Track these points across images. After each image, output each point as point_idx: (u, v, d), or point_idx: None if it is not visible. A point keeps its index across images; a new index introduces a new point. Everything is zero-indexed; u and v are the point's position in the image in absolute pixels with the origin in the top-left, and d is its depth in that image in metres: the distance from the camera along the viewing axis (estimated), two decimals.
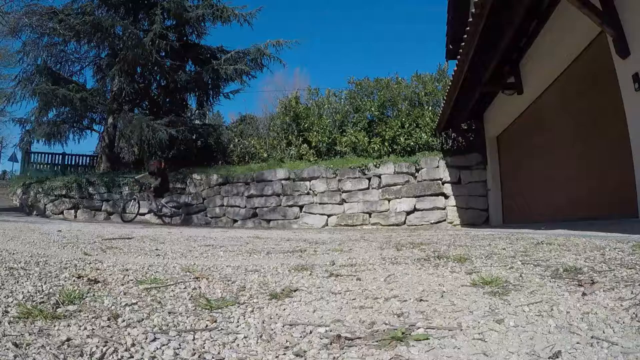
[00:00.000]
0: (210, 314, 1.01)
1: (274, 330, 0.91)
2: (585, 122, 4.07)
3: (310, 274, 1.54)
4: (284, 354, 0.78)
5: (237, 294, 1.23)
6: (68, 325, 0.87)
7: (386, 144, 8.28)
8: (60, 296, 1.06)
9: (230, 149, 10.55)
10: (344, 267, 1.70)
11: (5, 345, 0.72)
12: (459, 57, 4.97)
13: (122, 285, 1.27)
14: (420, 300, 1.13)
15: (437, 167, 7.33)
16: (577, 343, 0.78)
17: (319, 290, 1.28)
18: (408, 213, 7.22)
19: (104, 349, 0.75)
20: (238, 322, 0.96)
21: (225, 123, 15.91)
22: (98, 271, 1.46)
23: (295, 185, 7.84)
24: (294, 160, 8.85)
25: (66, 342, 0.77)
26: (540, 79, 4.96)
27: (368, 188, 7.48)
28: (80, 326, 0.87)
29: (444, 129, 7.70)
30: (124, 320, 0.92)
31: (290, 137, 9.38)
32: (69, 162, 14.83)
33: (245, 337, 0.85)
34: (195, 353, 0.76)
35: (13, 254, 1.79)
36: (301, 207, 7.74)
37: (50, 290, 1.15)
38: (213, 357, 0.75)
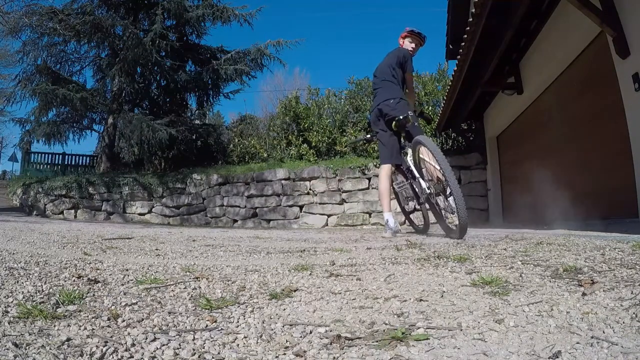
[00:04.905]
0: (210, 314, 1.01)
1: (274, 330, 0.91)
2: (586, 121, 4.07)
3: (310, 274, 1.54)
4: (284, 353, 0.78)
5: (237, 294, 1.23)
6: (68, 325, 0.87)
7: None
8: (60, 296, 1.06)
9: (230, 149, 10.56)
10: (344, 267, 1.70)
11: (5, 345, 0.72)
12: (459, 57, 4.97)
13: (122, 285, 1.27)
14: (420, 300, 1.13)
15: None
16: (577, 343, 0.78)
17: (319, 290, 1.28)
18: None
19: (104, 349, 0.75)
20: (238, 322, 0.96)
21: (225, 123, 15.94)
22: (98, 271, 1.46)
23: (295, 185, 7.84)
24: (294, 160, 8.86)
25: (66, 342, 0.77)
26: (540, 79, 4.96)
27: (368, 188, 7.48)
28: (80, 326, 0.87)
29: (444, 129, 7.71)
30: (124, 320, 0.92)
31: (290, 137, 9.38)
32: (69, 162, 14.83)
33: (245, 337, 0.85)
34: (195, 353, 0.76)
35: (13, 254, 1.79)
36: (301, 207, 7.75)
37: (50, 290, 1.15)
38: (213, 357, 0.75)
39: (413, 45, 3.62)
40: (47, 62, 10.40)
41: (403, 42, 3.64)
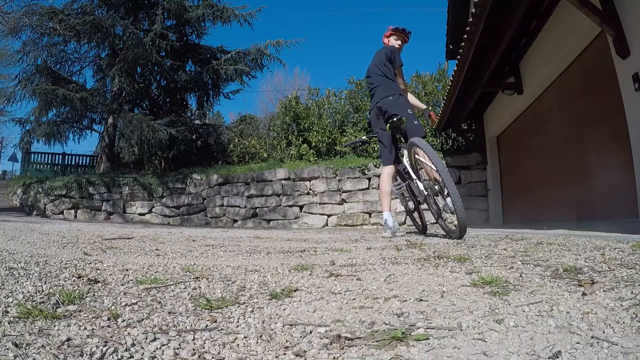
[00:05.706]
0: (210, 314, 1.01)
1: (274, 330, 0.91)
2: (585, 121, 4.07)
3: (310, 274, 1.54)
4: (284, 353, 0.78)
5: (237, 294, 1.23)
6: (68, 325, 0.87)
7: None
8: (60, 296, 1.06)
9: (230, 149, 10.56)
10: (344, 267, 1.70)
11: (5, 345, 0.72)
12: (459, 57, 4.97)
13: (122, 285, 1.27)
14: (420, 300, 1.13)
15: None
16: (577, 343, 0.78)
17: (319, 290, 1.28)
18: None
19: (104, 349, 0.75)
20: (238, 322, 0.96)
21: (226, 123, 15.97)
22: (98, 271, 1.46)
23: (295, 185, 7.84)
24: (294, 160, 8.86)
25: (66, 342, 0.77)
26: (540, 79, 4.96)
27: (368, 188, 7.49)
28: (80, 326, 0.87)
29: (444, 129, 7.71)
30: (124, 320, 0.92)
31: (290, 137, 9.38)
32: (69, 162, 14.83)
33: (245, 337, 0.85)
34: (195, 353, 0.76)
35: (13, 254, 1.79)
36: (301, 207, 7.75)
37: (50, 290, 1.15)
38: (213, 357, 0.75)
39: (399, 42, 3.62)
40: (47, 62, 10.40)
41: (388, 41, 3.63)
